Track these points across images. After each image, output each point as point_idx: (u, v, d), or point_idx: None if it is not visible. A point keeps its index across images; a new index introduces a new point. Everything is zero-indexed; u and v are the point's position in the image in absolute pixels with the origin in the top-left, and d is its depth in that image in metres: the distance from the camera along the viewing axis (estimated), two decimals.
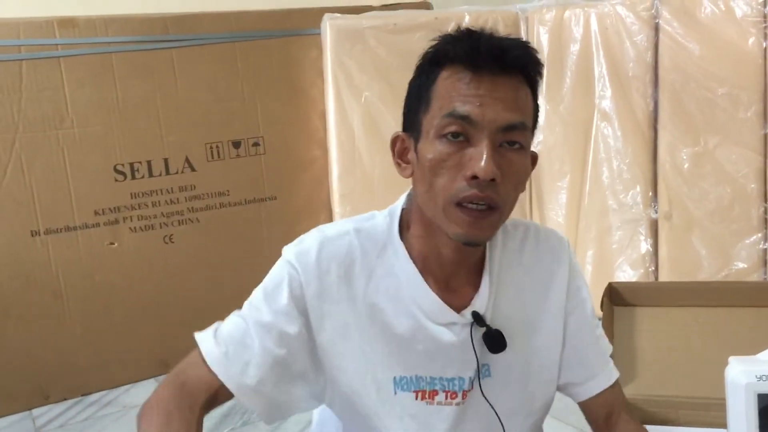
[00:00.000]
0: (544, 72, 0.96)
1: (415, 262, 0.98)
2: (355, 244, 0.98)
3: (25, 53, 2.58)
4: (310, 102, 3.09)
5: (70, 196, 2.69)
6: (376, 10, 3.13)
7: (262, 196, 3.04)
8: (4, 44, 2.54)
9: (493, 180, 0.88)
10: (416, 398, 0.98)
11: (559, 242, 1.08)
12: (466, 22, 3.05)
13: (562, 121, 3.08)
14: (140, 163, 2.80)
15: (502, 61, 0.90)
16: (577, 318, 1.06)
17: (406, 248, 0.98)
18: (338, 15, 3.00)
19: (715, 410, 1.43)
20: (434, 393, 0.99)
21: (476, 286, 1.00)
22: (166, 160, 2.85)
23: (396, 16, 3.04)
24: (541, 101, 3.18)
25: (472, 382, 0.99)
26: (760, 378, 0.78)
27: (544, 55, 3.08)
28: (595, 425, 1.09)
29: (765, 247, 2.82)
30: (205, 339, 0.98)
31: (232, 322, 0.98)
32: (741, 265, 2.82)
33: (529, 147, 0.96)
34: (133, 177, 2.80)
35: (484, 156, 0.88)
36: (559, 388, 1.09)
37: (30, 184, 2.63)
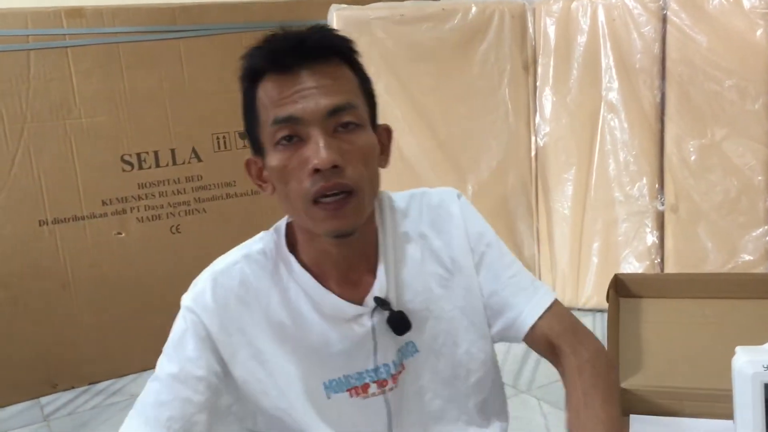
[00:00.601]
0: (355, 46, 0.97)
1: (309, 270, 0.98)
2: (246, 272, 0.99)
3: (33, 43, 2.58)
4: None
5: (78, 185, 2.71)
6: (383, 1, 3.13)
7: None
8: (12, 34, 2.55)
9: (336, 167, 0.88)
10: (350, 396, 0.99)
11: (447, 197, 1.06)
12: (473, 13, 3.04)
13: (568, 113, 3.08)
14: (147, 153, 2.81)
15: (304, 53, 0.90)
16: (488, 265, 1.03)
17: (299, 259, 0.98)
18: (345, 6, 3.00)
19: (720, 401, 1.43)
20: (366, 386, 0.99)
21: (374, 274, 0.99)
22: (173, 151, 2.85)
23: (403, 7, 3.04)
24: (547, 93, 3.20)
25: (396, 365, 1.00)
26: (767, 368, 0.79)
27: (551, 47, 3.08)
28: (546, 358, 1.06)
29: None
30: (128, 417, 0.96)
31: (147, 388, 0.98)
32: (747, 257, 2.82)
33: (368, 123, 0.95)
34: (140, 167, 2.81)
35: (320, 146, 0.88)
36: (497, 338, 1.07)
37: (38, 174, 2.64)
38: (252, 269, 0.99)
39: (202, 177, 2.92)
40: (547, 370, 1.14)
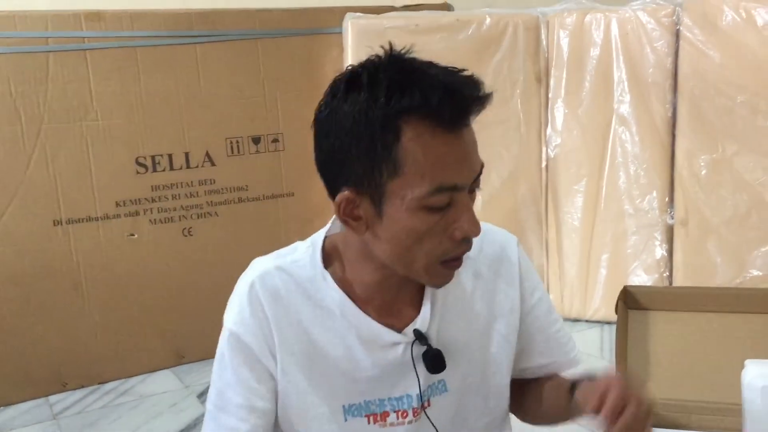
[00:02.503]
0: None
1: (347, 291, 0.94)
2: (278, 284, 0.95)
3: (53, 45, 2.62)
4: None
5: (92, 187, 2.73)
6: (397, 11, 3.16)
7: (280, 192, 3.07)
8: (32, 36, 2.59)
9: None
10: (368, 422, 0.97)
11: (508, 243, 1.04)
12: (487, 24, 3.06)
13: (580, 125, 3.09)
14: (161, 156, 2.84)
15: (467, 108, 0.83)
16: (534, 317, 1.05)
17: (334, 278, 0.95)
18: (360, 14, 3.03)
19: (728, 415, 1.44)
20: (386, 415, 0.97)
21: (419, 307, 0.97)
22: (186, 154, 2.88)
23: (417, 17, 3.06)
24: (559, 105, 3.21)
25: (421, 399, 0.97)
26: None
27: (563, 59, 3.09)
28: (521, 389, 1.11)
29: None
30: None
31: (214, 418, 0.97)
32: (756, 272, 2.82)
33: None
34: (154, 170, 2.83)
35: (473, 216, 0.85)
36: (518, 374, 1.09)
37: (53, 175, 2.67)
38: (283, 280, 0.95)
39: (215, 181, 2.94)
40: None
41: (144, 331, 2.87)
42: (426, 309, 0.96)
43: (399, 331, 0.95)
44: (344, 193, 0.86)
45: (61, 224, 2.70)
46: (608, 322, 2.97)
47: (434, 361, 0.95)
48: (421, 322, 0.96)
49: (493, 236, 1.03)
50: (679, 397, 1.45)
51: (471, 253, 0.93)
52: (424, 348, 0.95)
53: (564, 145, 3.12)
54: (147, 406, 2.63)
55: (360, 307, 0.94)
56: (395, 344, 0.95)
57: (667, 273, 3.00)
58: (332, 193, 0.89)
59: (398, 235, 0.85)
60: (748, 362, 0.87)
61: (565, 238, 3.15)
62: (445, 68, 0.85)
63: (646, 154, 2.98)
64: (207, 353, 2.91)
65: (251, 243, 3.02)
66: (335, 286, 0.94)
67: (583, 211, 3.10)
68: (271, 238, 3.04)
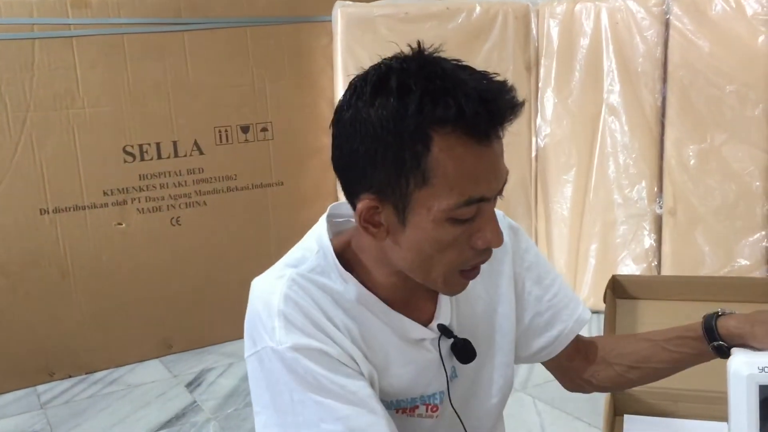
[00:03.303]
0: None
1: (373, 292, 0.91)
2: (312, 291, 0.89)
3: (38, 32, 2.59)
4: (319, 89, 3.10)
5: (80, 175, 2.71)
6: None
7: (269, 181, 3.06)
8: (17, 22, 2.56)
9: None
10: (396, 413, 0.95)
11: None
12: (477, 13, 3.05)
13: (569, 115, 3.09)
14: (149, 144, 2.82)
15: (502, 120, 0.81)
16: (529, 290, 1.05)
17: (359, 281, 0.91)
18: (349, 2, 3.01)
19: (714, 403, 1.45)
20: (415, 408, 0.96)
21: (433, 299, 0.96)
22: (174, 143, 2.86)
23: (407, 5, 3.05)
24: (549, 94, 3.21)
25: (449, 391, 0.98)
26: (763, 369, 0.80)
27: (553, 49, 3.09)
28: (566, 363, 1.09)
29: None
30: None
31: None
32: (744, 262, 2.84)
33: None
34: (142, 158, 2.81)
35: (497, 226, 0.84)
36: (533, 359, 1.08)
37: (40, 163, 2.65)
38: (314, 287, 0.89)
39: (203, 170, 2.93)
40: (542, 370, 1.15)
41: (132, 321, 2.86)
42: (445, 302, 0.96)
43: (425, 325, 0.94)
44: (366, 200, 0.83)
45: (48, 213, 2.68)
46: (597, 311, 2.98)
47: (465, 351, 0.95)
48: (444, 315, 0.95)
49: None
50: (665, 386, 1.45)
51: None
52: (451, 341, 0.95)
53: (553, 135, 3.13)
54: (135, 395, 2.62)
55: (390, 306, 0.92)
56: (422, 341, 0.94)
57: (656, 262, 3.01)
58: (350, 196, 0.87)
59: (421, 245, 0.83)
60: (734, 350, 0.87)
61: (554, 228, 3.16)
62: (478, 73, 0.81)
63: (635, 144, 2.98)
64: (195, 343, 2.93)
65: (240, 233, 3.01)
66: (363, 287, 0.91)
67: (572, 201, 3.11)
68: (259, 227, 3.04)
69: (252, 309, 0.89)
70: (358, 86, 0.83)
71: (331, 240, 0.93)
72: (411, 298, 0.94)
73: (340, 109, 0.85)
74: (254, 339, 0.88)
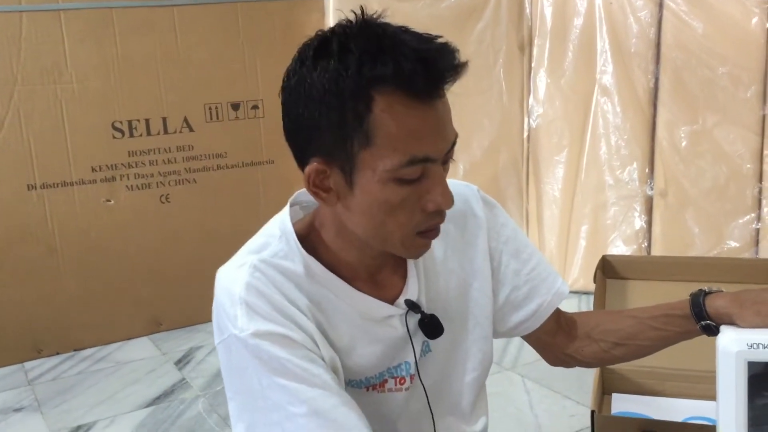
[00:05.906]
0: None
1: (335, 272, 0.91)
2: (274, 276, 0.89)
3: (25, 5, 2.55)
4: None
5: (68, 151, 2.69)
6: None
7: (259, 159, 3.04)
8: None
9: None
10: (366, 391, 0.96)
11: (471, 196, 1.03)
12: None
13: (562, 95, 3.08)
14: (138, 121, 2.79)
15: (442, 79, 0.80)
16: (506, 263, 1.04)
17: (320, 262, 0.91)
18: None
19: (701, 382, 1.46)
20: (384, 382, 0.97)
21: (403, 275, 0.96)
22: (164, 119, 2.84)
23: None
24: (542, 74, 3.18)
25: (417, 365, 0.98)
26: (751, 346, 0.80)
27: (547, 29, 3.07)
28: (547, 338, 1.09)
29: (758, 226, 2.84)
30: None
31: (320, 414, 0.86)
32: (733, 243, 2.85)
33: None
34: (131, 135, 2.79)
35: (446, 188, 0.84)
36: (512, 333, 1.08)
37: (27, 138, 2.62)
38: (276, 272, 0.89)
39: (193, 147, 2.90)
40: (532, 349, 1.15)
41: (121, 298, 2.85)
42: (413, 277, 0.96)
43: (391, 303, 0.94)
44: (314, 164, 0.84)
45: (36, 189, 2.66)
46: (586, 293, 2.99)
47: (432, 327, 0.96)
48: (411, 291, 0.95)
49: (455, 191, 0.95)
50: (653, 365, 1.46)
51: None
52: (418, 316, 0.95)
53: (546, 115, 3.11)
54: (124, 372, 2.62)
55: (353, 285, 0.92)
56: (389, 317, 0.94)
57: (646, 244, 3.02)
58: (301, 162, 0.87)
59: (370, 207, 0.84)
60: (722, 327, 0.87)
61: (545, 209, 3.16)
62: (420, 35, 0.81)
63: (627, 125, 2.98)
64: (184, 321, 2.92)
65: (229, 211, 2.99)
66: (324, 269, 0.91)
67: (564, 182, 3.10)
68: (249, 206, 3.02)
69: (216, 298, 0.90)
70: (302, 53, 0.84)
71: (294, 224, 0.93)
72: (378, 274, 0.95)
73: (287, 77, 0.86)
74: (220, 328, 0.88)
